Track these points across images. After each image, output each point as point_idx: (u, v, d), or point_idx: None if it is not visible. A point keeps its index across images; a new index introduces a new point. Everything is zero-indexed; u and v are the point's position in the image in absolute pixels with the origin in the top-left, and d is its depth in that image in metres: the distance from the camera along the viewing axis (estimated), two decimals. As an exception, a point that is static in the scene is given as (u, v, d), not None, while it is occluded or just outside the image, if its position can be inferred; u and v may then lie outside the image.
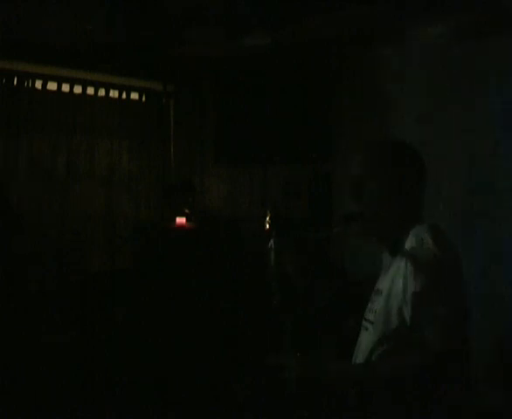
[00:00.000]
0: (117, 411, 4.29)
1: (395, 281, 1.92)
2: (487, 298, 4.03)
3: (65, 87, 5.51)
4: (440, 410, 1.83)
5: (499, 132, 4.20)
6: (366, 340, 2.00)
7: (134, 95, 5.93)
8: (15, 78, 5.25)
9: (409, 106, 4.84)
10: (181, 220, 5.32)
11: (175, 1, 4.49)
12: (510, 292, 4.04)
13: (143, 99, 5.98)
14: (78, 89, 5.57)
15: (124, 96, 5.84)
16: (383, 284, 2.04)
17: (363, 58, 5.21)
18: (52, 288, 5.01)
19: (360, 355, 2.01)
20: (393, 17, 4.55)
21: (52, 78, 5.45)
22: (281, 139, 5.18)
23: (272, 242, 2.00)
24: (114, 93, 5.77)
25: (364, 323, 2.06)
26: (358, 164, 2.08)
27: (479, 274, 4.00)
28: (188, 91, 5.95)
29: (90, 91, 5.64)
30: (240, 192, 5.90)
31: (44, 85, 5.41)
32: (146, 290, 5.02)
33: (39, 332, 4.62)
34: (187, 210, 5.39)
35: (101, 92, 5.70)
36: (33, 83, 5.36)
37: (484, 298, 3.94)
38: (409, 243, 1.91)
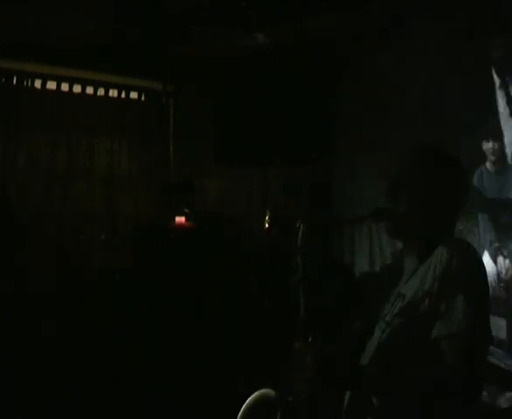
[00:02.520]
0: (116, 412, 4.29)
1: (421, 288, 1.93)
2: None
3: (65, 87, 5.51)
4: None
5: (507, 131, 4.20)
6: (382, 341, 2.01)
7: (134, 94, 5.92)
8: (14, 77, 5.26)
9: (409, 106, 4.83)
10: (180, 219, 5.31)
11: (175, 0, 4.48)
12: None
13: (143, 98, 5.97)
14: (77, 88, 5.57)
15: (123, 95, 5.83)
16: (405, 288, 2.04)
17: (363, 57, 5.21)
18: (52, 288, 5.00)
19: (375, 356, 2.02)
20: (392, 16, 4.55)
21: (52, 78, 5.45)
22: (281, 139, 5.17)
23: (300, 224, 1.98)
24: (113, 93, 5.76)
25: (381, 324, 2.06)
26: (402, 163, 2.10)
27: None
28: (188, 90, 5.94)
29: (89, 90, 5.63)
30: (240, 192, 5.90)
31: (43, 85, 5.41)
32: (146, 289, 5.01)
33: (39, 332, 4.61)
34: (186, 210, 5.38)
35: (101, 92, 5.70)
36: (32, 82, 5.36)
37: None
38: (440, 251, 1.91)
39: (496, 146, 4.24)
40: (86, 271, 5.27)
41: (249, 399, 2.13)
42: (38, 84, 5.38)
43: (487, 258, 4.23)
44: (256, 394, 2.13)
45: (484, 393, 1.98)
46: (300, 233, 1.95)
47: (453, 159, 2.12)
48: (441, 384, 1.75)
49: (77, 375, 4.51)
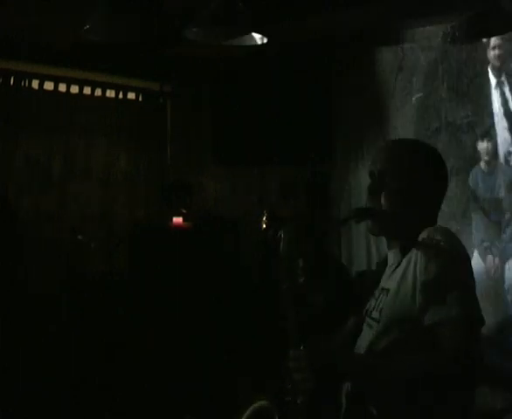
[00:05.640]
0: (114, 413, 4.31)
1: (404, 278, 1.94)
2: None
3: (62, 87, 5.51)
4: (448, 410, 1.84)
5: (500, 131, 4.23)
6: (370, 337, 2.01)
7: (131, 95, 5.93)
8: (12, 77, 5.25)
9: (408, 107, 4.85)
10: (178, 220, 5.32)
11: (172, 1, 4.49)
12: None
13: (140, 98, 5.98)
14: (74, 89, 5.57)
15: (121, 96, 5.83)
16: (389, 282, 2.05)
17: (362, 58, 5.21)
18: (50, 288, 5.01)
19: (367, 353, 2.02)
20: (391, 16, 4.56)
21: (49, 78, 5.45)
22: (279, 139, 5.18)
23: (281, 232, 2.00)
24: (110, 93, 5.77)
25: (368, 321, 2.07)
26: (381, 160, 2.10)
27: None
28: (185, 91, 5.95)
29: (87, 90, 5.64)
30: (238, 192, 5.91)
31: (41, 85, 5.41)
32: (143, 290, 5.02)
33: (37, 333, 4.62)
34: (184, 210, 5.39)
35: (98, 92, 5.70)
36: (30, 83, 5.36)
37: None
38: (422, 240, 1.92)
39: (490, 146, 4.27)
40: (83, 271, 5.27)
41: (245, 415, 2.12)
42: (35, 84, 5.38)
43: (476, 257, 4.26)
44: (251, 409, 2.13)
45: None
46: (282, 241, 1.98)
47: (429, 150, 2.13)
48: (439, 369, 1.76)
49: (70, 376, 4.53)
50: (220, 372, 4.57)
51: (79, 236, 5.05)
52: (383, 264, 2.17)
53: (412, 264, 1.91)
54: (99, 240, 5.29)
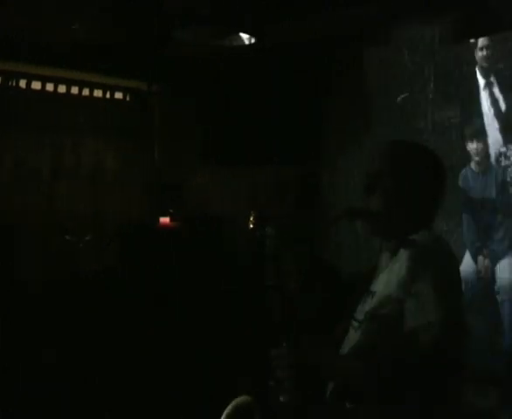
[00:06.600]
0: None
1: (389, 281, 1.93)
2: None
3: (50, 87, 5.48)
4: (435, 403, 1.83)
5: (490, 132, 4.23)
6: (355, 339, 2.00)
7: (119, 95, 5.90)
8: (-2, 77, 5.23)
9: (396, 107, 4.85)
10: (165, 220, 5.31)
11: (160, 1, 4.47)
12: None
13: (128, 98, 5.95)
14: (62, 88, 5.54)
15: (108, 95, 5.81)
16: (377, 285, 2.04)
17: (351, 58, 5.21)
18: (39, 288, 4.99)
19: (350, 354, 2.01)
20: (382, 17, 4.56)
21: (36, 78, 5.41)
22: (268, 139, 5.17)
23: (268, 229, 1.99)
24: (98, 93, 5.74)
25: (354, 323, 2.06)
26: (377, 160, 2.08)
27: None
28: (174, 90, 5.93)
29: (74, 90, 5.60)
30: (226, 192, 5.89)
31: (28, 85, 5.37)
32: (132, 289, 5.01)
33: (27, 333, 4.60)
34: (171, 210, 5.37)
35: (85, 92, 5.67)
36: (17, 82, 5.32)
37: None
38: (409, 245, 1.91)
39: (480, 146, 4.26)
40: (72, 270, 5.24)
41: (227, 409, 2.11)
42: (22, 83, 5.35)
43: (468, 258, 4.26)
44: (233, 403, 2.12)
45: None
46: (268, 241, 1.97)
47: (427, 152, 2.10)
48: (420, 371, 1.75)
49: (61, 378, 4.51)
50: (208, 370, 4.56)
51: (67, 237, 5.04)
52: (374, 266, 2.16)
53: (398, 268, 1.90)
54: (87, 240, 5.28)
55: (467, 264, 4.22)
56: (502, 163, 4.15)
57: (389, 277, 1.95)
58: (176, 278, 4.98)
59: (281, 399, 1.88)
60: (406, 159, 2.04)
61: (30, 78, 5.38)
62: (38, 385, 4.37)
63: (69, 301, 4.90)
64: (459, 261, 1.93)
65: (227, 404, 2.10)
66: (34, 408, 4.20)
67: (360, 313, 2.03)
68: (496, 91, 4.20)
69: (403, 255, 1.90)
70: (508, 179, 4.12)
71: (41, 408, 4.21)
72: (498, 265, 4.15)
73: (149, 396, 4.46)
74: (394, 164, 2.04)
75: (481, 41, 4.28)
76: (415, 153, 2.08)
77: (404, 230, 1.97)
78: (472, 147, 4.33)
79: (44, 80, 5.44)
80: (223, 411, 2.11)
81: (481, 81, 4.29)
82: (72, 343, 4.68)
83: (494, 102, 4.22)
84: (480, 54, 4.30)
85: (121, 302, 4.94)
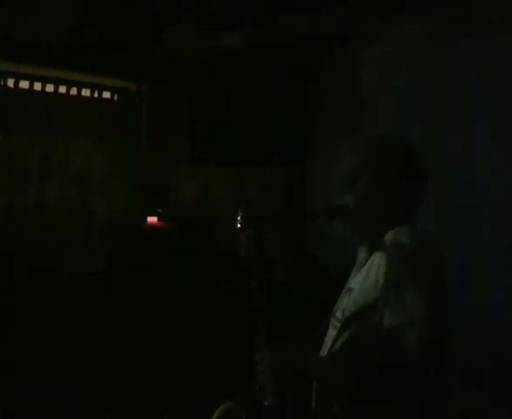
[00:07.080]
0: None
1: (367, 278, 1.90)
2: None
3: (37, 86, 5.46)
4: (417, 409, 1.81)
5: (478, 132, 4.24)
6: (334, 337, 1.98)
7: (107, 94, 5.88)
8: (-14, 76, 5.20)
9: (383, 107, 4.86)
10: (152, 220, 5.29)
11: (149, 0, 4.47)
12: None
13: (116, 98, 5.94)
14: (50, 88, 5.52)
15: (96, 95, 5.79)
16: (354, 282, 2.02)
17: (338, 58, 5.22)
18: (25, 289, 4.97)
19: (327, 353, 2.00)
20: (368, 17, 4.57)
21: (24, 77, 5.39)
22: (257, 139, 5.18)
23: (251, 231, 1.98)
24: (86, 92, 5.72)
25: (333, 321, 2.04)
26: (353, 157, 2.04)
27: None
28: (162, 90, 5.91)
29: (62, 89, 5.59)
30: (215, 192, 5.88)
31: (16, 84, 5.35)
32: (120, 290, 4.99)
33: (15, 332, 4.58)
34: (159, 210, 5.36)
35: (73, 91, 5.65)
36: (5, 81, 5.30)
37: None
38: (388, 240, 1.88)
39: (469, 147, 4.29)
40: (59, 271, 5.23)
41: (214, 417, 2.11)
42: (10, 83, 5.33)
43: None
44: (217, 412, 2.11)
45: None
46: (253, 240, 1.96)
47: (407, 150, 2.05)
48: (398, 370, 1.74)
49: (61, 378, 4.50)
50: (195, 373, 4.56)
51: (55, 236, 5.03)
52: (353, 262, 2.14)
53: (375, 265, 1.87)
54: (76, 240, 5.27)
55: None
56: (490, 164, 4.18)
57: (366, 274, 1.92)
58: (164, 278, 4.97)
59: (265, 403, 1.87)
60: (382, 155, 2.01)
61: (17, 78, 5.36)
62: (37, 385, 4.37)
63: (57, 301, 4.89)
64: (443, 258, 1.88)
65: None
66: (34, 408, 4.19)
67: (339, 311, 2.02)
68: (487, 91, 4.21)
69: (381, 253, 1.87)
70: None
71: (41, 408, 4.21)
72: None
73: (149, 396, 4.47)
74: (369, 161, 2.00)
75: (471, 41, 4.29)
76: (391, 149, 2.04)
77: (381, 227, 1.93)
78: (460, 147, 4.35)
79: (32, 79, 5.42)
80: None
81: (471, 81, 4.30)
82: (65, 343, 4.68)
83: (485, 103, 4.23)
84: (470, 54, 4.30)
85: (109, 302, 4.93)
